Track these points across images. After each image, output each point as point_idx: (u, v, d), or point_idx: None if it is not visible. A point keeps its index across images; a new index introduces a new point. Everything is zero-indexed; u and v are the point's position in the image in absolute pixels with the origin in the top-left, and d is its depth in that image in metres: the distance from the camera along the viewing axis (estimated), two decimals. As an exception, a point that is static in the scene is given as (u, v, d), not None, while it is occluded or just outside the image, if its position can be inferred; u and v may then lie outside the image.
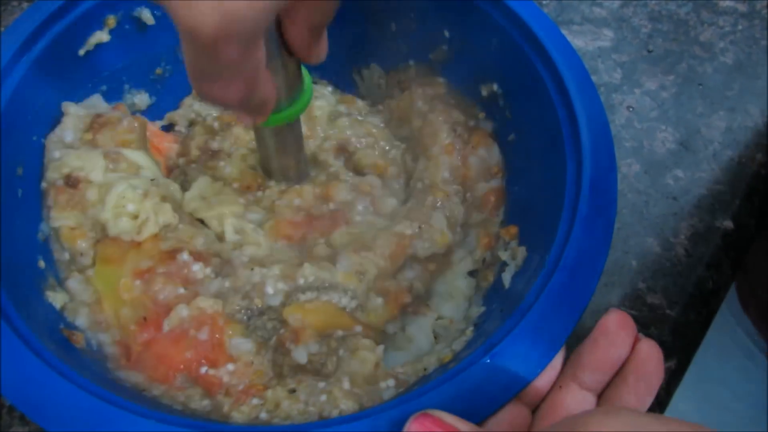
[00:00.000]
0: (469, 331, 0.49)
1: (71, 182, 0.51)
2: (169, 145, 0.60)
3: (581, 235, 0.45)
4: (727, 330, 0.84)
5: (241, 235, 0.52)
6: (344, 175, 0.57)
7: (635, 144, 0.72)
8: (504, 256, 0.53)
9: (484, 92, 0.60)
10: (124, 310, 0.49)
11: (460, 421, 0.36)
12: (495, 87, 0.59)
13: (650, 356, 0.40)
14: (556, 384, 0.42)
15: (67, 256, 0.52)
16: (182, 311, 0.47)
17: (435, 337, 0.52)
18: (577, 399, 0.41)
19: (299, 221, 0.53)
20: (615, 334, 0.40)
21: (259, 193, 0.56)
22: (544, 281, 0.44)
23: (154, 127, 0.61)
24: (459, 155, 0.59)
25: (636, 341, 0.41)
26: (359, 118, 0.62)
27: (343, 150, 0.59)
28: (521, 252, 0.51)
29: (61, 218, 0.51)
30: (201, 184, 0.55)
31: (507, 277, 0.51)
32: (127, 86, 0.61)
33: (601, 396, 0.41)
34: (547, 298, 0.43)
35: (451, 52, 0.62)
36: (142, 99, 0.62)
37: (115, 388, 0.45)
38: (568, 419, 0.31)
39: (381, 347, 0.48)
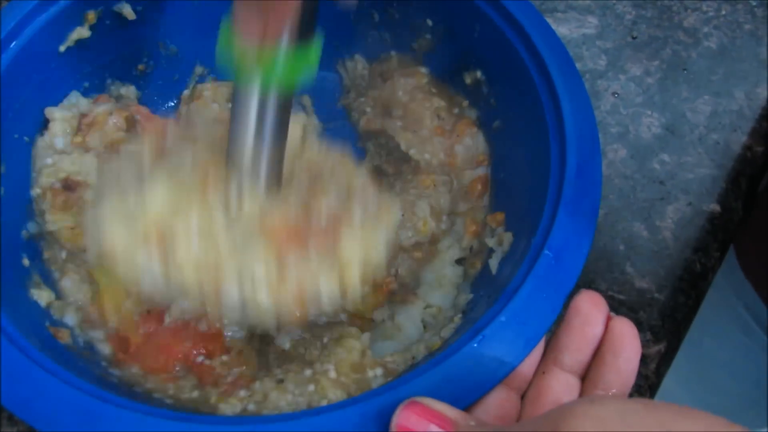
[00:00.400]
0: (458, 319, 0.49)
1: (69, 186, 0.51)
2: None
3: (566, 219, 0.45)
4: (724, 308, 0.83)
5: None
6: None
7: (621, 129, 0.71)
8: (491, 242, 0.52)
9: (468, 80, 0.60)
10: (126, 303, 0.49)
11: (449, 407, 0.36)
12: (479, 74, 0.59)
13: (623, 332, 0.40)
14: (539, 369, 0.42)
15: (64, 255, 0.51)
16: (184, 303, 0.47)
17: (424, 326, 0.52)
18: (561, 382, 0.41)
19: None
20: (587, 313, 0.41)
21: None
22: (530, 265, 0.43)
23: (144, 110, 0.60)
24: (444, 144, 0.58)
25: (608, 320, 0.41)
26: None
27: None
28: (507, 238, 0.51)
29: (60, 220, 0.51)
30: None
31: (494, 264, 0.51)
32: (109, 81, 0.60)
33: (585, 378, 0.41)
34: (532, 281, 0.42)
35: (435, 40, 0.62)
36: (128, 91, 0.61)
37: (103, 384, 0.44)
38: (554, 410, 0.31)
39: (367, 335, 0.48)
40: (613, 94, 0.75)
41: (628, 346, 0.40)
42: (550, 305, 0.42)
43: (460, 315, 0.50)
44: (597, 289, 0.60)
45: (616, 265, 0.63)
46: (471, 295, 0.52)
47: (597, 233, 0.64)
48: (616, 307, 0.61)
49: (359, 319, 0.50)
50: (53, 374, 0.39)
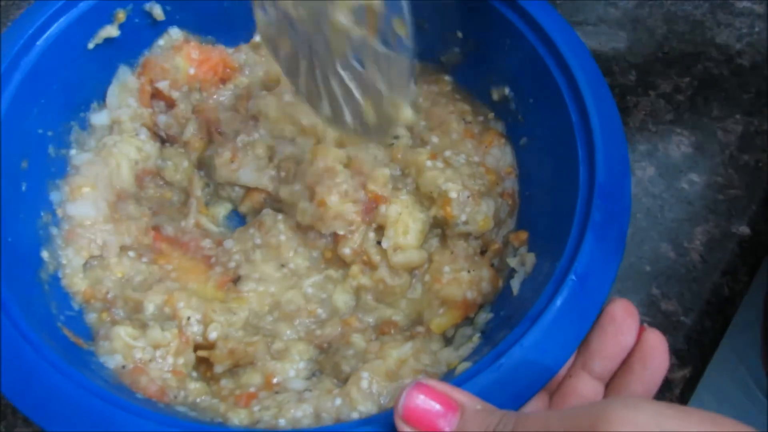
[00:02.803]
0: (476, 338, 0.47)
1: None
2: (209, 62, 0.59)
3: (593, 243, 0.43)
4: (726, 367, 0.81)
5: None
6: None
7: (650, 147, 0.69)
8: (513, 262, 0.50)
9: (495, 96, 0.58)
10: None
11: (456, 389, 0.35)
12: (506, 91, 0.57)
13: (656, 346, 0.40)
14: (567, 372, 0.41)
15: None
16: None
17: (444, 342, 0.51)
18: (587, 388, 0.40)
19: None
20: (622, 321, 0.40)
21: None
22: (554, 289, 0.41)
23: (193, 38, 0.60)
24: (477, 148, 0.57)
25: (641, 331, 0.40)
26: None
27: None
28: (530, 259, 0.49)
29: None
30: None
31: (516, 284, 0.49)
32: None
33: (609, 384, 0.40)
34: (556, 307, 0.40)
35: (463, 54, 0.60)
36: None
37: (117, 389, 0.44)
38: (587, 408, 0.30)
39: (409, 345, 0.47)
40: (643, 110, 0.72)
41: (658, 358, 0.40)
42: (573, 332, 0.40)
43: (479, 335, 0.48)
44: None
45: (641, 287, 0.60)
46: (491, 315, 0.50)
47: (623, 253, 0.61)
48: None
49: (429, 332, 0.50)
50: (66, 376, 0.39)
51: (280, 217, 0.56)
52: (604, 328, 0.40)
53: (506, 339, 0.40)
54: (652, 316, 0.59)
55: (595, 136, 0.47)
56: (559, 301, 0.41)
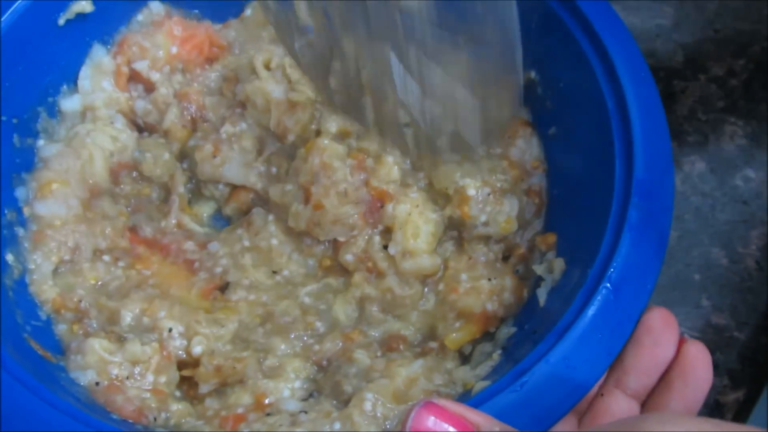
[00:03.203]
0: (497, 355, 0.48)
1: None
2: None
3: (630, 247, 0.43)
4: None
5: None
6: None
7: (699, 138, 0.70)
8: (539, 270, 0.51)
9: None
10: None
11: (470, 409, 0.35)
12: (532, 74, 0.58)
13: (698, 359, 0.40)
14: (599, 390, 0.42)
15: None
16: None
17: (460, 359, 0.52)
18: (621, 407, 0.41)
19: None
20: (659, 332, 0.41)
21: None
22: (585, 300, 0.42)
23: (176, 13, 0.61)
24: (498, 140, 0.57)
25: (681, 343, 0.41)
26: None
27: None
28: (559, 265, 0.50)
29: None
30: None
31: (543, 294, 0.49)
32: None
33: (645, 403, 0.41)
34: (586, 320, 0.41)
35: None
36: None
37: (89, 408, 0.45)
38: (617, 424, 0.32)
39: (420, 362, 0.48)
40: (691, 96, 0.73)
41: (700, 373, 0.40)
42: (605, 349, 0.41)
43: (499, 351, 0.49)
44: None
45: (689, 297, 0.61)
46: (514, 329, 0.51)
47: (668, 259, 0.62)
48: None
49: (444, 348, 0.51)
50: (34, 392, 0.40)
51: (271, 217, 0.57)
52: (639, 340, 0.41)
53: (530, 355, 0.41)
54: (701, 330, 0.60)
55: (633, 125, 0.48)
56: (590, 313, 0.42)
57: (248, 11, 0.64)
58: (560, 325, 0.42)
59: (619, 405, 0.41)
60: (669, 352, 0.41)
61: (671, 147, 0.48)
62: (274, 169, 0.58)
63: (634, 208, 0.45)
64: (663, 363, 0.41)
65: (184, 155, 0.60)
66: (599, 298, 0.42)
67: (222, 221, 0.61)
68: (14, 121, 0.54)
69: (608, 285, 0.42)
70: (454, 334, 0.51)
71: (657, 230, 0.44)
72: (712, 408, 0.49)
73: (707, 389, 0.40)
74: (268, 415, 0.47)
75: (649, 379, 0.41)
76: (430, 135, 0.49)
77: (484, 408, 0.39)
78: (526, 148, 0.57)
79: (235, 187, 0.59)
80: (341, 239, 0.54)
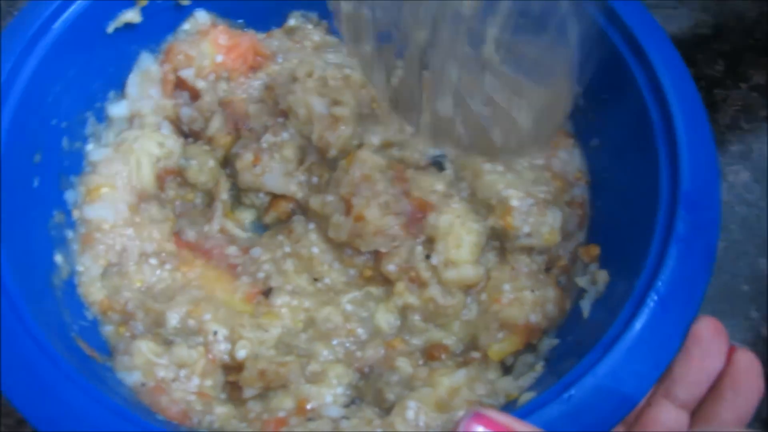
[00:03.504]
0: (540, 367, 0.48)
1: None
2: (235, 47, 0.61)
3: (677, 259, 0.44)
4: None
5: None
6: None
7: (743, 148, 0.70)
8: (582, 282, 0.52)
9: None
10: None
11: (518, 421, 0.36)
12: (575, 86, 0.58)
13: (749, 369, 0.40)
14: (647, 401, 0.42)
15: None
16: None
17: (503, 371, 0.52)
18: (670, 418, 0.41)
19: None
20: (709, 342, 0.41)
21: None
22: (631, 312, 0.43)
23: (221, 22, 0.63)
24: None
25: (731, 352, 0.41)
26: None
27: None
28: (603, 276, 0.50)
29: None
30: None
31: (586, 306, 0.50)
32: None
33: (695, 414, 0.41)
34: (635, 332, 0.42)
35: None
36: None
37: (135, 408, 0.46)
38: None
39: (463, 372, 0.49)
40: (733, 105, 0.73)
41: (751, 382, 0.40)
42: (652, 363, 0.41)
43: (542, 363, 0.49)
44: None
45: (738, 309, 0.61)
46: (556, 341, 0.51)
47: (715, 270, 0.61)
48: None
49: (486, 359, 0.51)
50: (84, 391, 0.41)
51: (311, 226, 0.58)
52: (688, 350, 0.41)
53: (576, 368, 0.42)
54: (752, 343, 0.60)
55: (678, 135, 0.48)
56: (637, 325, 0.42)
57: (291, 21, 0.65)
58: (607, 337, 0.42)
59: (668, 416, 0.41)
60: (719, 362, 0.41)
61: (717, 157, 0.48)
62: (315, 179, 0.59)
63: (680, 220, 0.45)
64: (713, 373, 0.41)
65: (227, 162, 0.61)
66: (647, 310, 0.42)
67: (261, 229, 0.61)
68: (63, 124, 0.55)
69: (655, 297, 0.43)
70: (498, 345, 0.51)
71: (704, 243, 0.45)
72: (765, 422, 0.48)
73: (758, 399, 0.40)
74: (310, 420, 0.48)
75: (698, 389, 0.41)
76: (485, 128, 0.49)
77: (530, 419, 0.40)
78: (569, 159, 0.58)
79: (275, 196, 0.59)
80: (383, 250, 0.55)
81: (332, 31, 0.66)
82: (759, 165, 0.69)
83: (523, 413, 0.40)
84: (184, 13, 0.62)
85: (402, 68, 0.49)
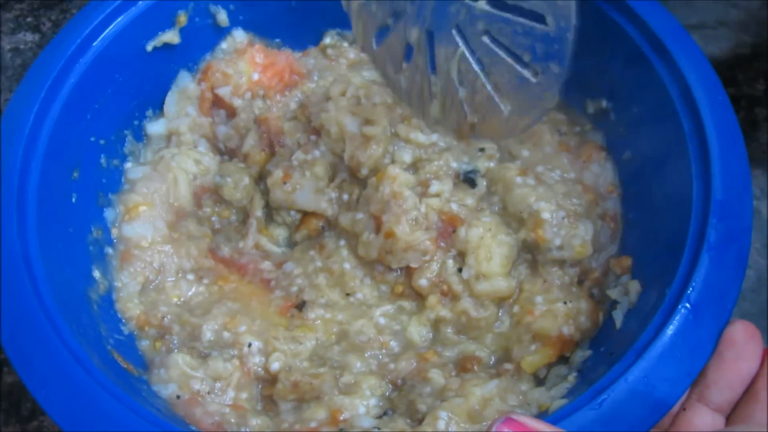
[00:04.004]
0: (572, 378, 0.49)
1: None
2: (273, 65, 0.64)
3: (708, 267, 0.44)
4: None
5: None
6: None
7: (785, 166, 0.70)
8: (614, 294, 0.52)
9: (591, 109, 0.61)
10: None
11: (549, 426, 0.37)
12: (604, 104, 0.60)
13: None
14: (680, 407, 0.42)
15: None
16: None
17: (536, 382, 0.52)
18: (705, 422, 0.41)
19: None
20: (743, 346, 0.41)
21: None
22: (663, 320, 0.43)
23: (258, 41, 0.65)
24: (573, 162, 0.59)
25: (765, 354, 0.41)
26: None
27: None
28: (635, 287, 0.50)
29: None
30: None
31: (619, 316, 0.50)
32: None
33: (730, 417, 0.41)
34: (666, 339, 0.42)
35: None
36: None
37: (170, 420, 0.47)
38: None
39: (495, 382, 0.49)
40: (774, 124, 0.73)
41: None
42: (684, 368, 0.42)
43: (575, 374, 0.50)
44: None
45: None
46: (589, 352, 0.51)
47: (758, 287, 0.62)
48: None
49: (519, 370, 0.52)
50: (119, 400, 0.43)
51: (342, 242, 0.59)
52: (722, 354, 0.41)
53: (608, 374, 0.42)
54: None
55: (711, 147, 0.49)
56: (669, 332, 0.42)
57: (327, 39, 0.68)
58: (638, 344, 0.43)
59: (702, 419, 0.41)
60: (753, 365, 0.41)
61: (749, 169, 0.48)
62: (345, 196, 0.60)
63: (712, 228, 0.45)
64: (747, 376, 0.41)
65: (262, 178, 0.63)
66: (678, 317, 0.43)
67: (292, 247, 0.63)
68: (102, 142, 0.58)
69: (687, 305, 0.43)
70: (531, 357, 0.52)
71: (736, 251, 0.45)
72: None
73: None
74: (342, 430, 0.49)
75: (733, 392, 0.41)
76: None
77: (562, 425, 0.40)
78: (601, 172, 0.59)
79: (305, 214, 0.61)
80: (414, 265, 0.56)
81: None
82: (800, 182, 0.69)
83: (555, 419, 0.41)
84: (223, 32, 0.64)
85: (408, 64, 0.52)
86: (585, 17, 0.58)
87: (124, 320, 0.54)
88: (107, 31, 0.56)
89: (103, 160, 0.58)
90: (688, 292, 0.43)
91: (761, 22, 0.82)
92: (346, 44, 0.68)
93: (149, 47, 0.60)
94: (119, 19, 0.57)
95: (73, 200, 0.54)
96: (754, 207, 0.48)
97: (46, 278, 0.47)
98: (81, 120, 0.55)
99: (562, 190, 0.56)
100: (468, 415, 0.47)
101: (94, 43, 0.56)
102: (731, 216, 0.46)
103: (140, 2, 0.58)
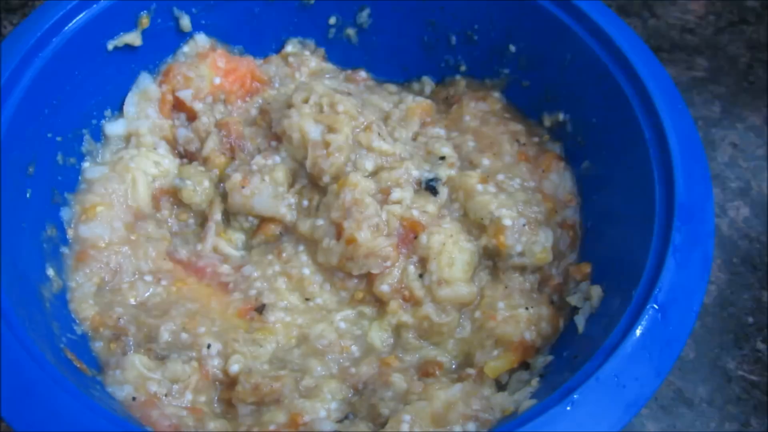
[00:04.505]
0: (535, 382, 0.49)
1: None
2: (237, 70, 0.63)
3: (674, 269, 0.45)
4: None
5: None
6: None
7: (742, 185, 0.71)
8: (574, 300, 0.53)
9: (547, 122, 0.62)
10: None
11: None
12: (561, 117, 0.61)
13: None
14: None
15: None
16: None
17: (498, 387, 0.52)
18: None
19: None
20: None
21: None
22: (631, 321, 0.43)
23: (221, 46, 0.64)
24: (533, 172, 0.60)
25: None
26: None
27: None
28: (596, 292, 0.51)
29: None
30: None
31: (581, 321, 0.51)
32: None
33: None
34: (634, 339, 0.42)
35: (513, 75, 0.65)
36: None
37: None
38: None
39: (459, 386, 0.49)
40: (731, 144, 0.75)
41: None
42: (654, 367, 0.42)
43: (537, 379, 0.49)
44: (725, 368, 0.60)
45: (744, 340, 0.62)
46: (550, 357, 0.51)
47: (721, 302, 0.63)
48: (748, 389, 0.59)
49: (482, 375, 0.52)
50: (73, 396, 0.42)
51: (301, 248, 0.59)
52: None
53: (577, 374, 0.42)
54: (759, 374, 0.60)
55: (673, 152, 0.49)
56: (638, 332, 0.42)
57: (289, 47, 0.67)
58: (607, 344, 0.43)
59: None
60: None
61: (709, 174, 0.49)
62: (305, 202, 0.60)
63: (677, 231, 0.46)
64: None
65: (222, 182, 0.62)
66: (646, 318, 0.43)
67: (249, 251, 0.61)
68: (58, 139, 0.56)
69: (655, 305, 0.43)
70: (494, 362, 0.52)
71: (701, 252, 0.46)
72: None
73: None
74: None
75: None
76: None
77: (532, 425, 0.40)
78: (559, 181, 0.59)
79: (263, 219, 0.60)
80: (375, 271, 0.55)
81: (329, 58, 0.69)
82: (758, 201, 0.70)
83: (525, 419, 0.41)
84: (185, 36, 0.63)
85: None
86: (544, 31, 0.60)
87: (78, 320, 0.53)
88: (67, 27, 0.55)
89: (59, 158, 0.57)
90: (655, 292, 0.44)
91: (715, 46, 0.84)
92: (307, 53, 0.68)
93: (110, 46, 0.59)
94: (80, 16, 0.56)
95: (28, 195, 0.53)
96: (714, 224, 0.48)
97: (-1, 271, 0.45)
98: (38, 114, 0.54)
99: (522, 198, 0.57)
100: (432, 418, 0.47)
101: (54, 39, 0.54)
102: (695, 219, 0.47)
103: (102, 1, 0.57)
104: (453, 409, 0.47)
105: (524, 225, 0.55)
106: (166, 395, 0.48)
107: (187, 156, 0.63)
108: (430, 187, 0.58)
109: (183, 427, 0.47)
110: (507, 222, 0.55)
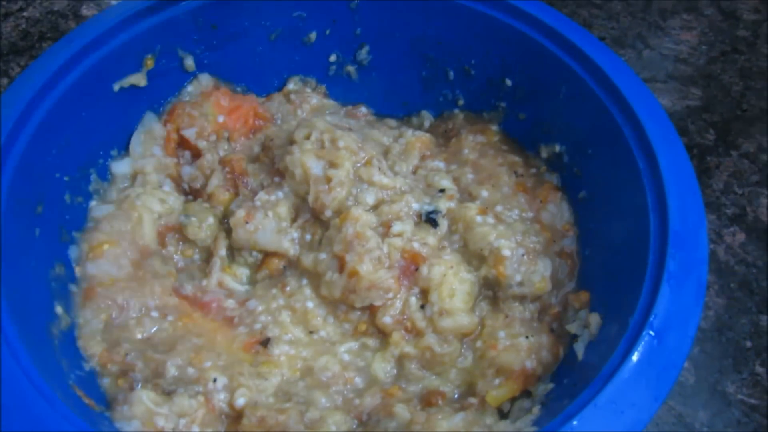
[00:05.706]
0: (536, 410, 0.49)
1: None
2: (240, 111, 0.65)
3: (670, 296, 0.45)
4: None
5: None
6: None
7: (737, 211, 0.72)
8: (573, 328, 0.53)
9: (544, 154, 0.64)
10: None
11: None
12: (557, 148, 0.62)
13: None
14: None
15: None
16: None
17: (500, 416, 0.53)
18: None
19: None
20: None
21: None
22: (627, 347, 0.44)
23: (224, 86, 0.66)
24: (531, 203, 0.61)
25: None
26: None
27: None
28: (595, 320, 0.51)
29: None
30: None
31: (580, 348, 0.51)
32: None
33: None
34: (631, 365, 0.43)
35: (509, 108, 0.66)
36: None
37: None
38: None
39: (461, 415, 0.49)
40: (726, 171, 0.76)
41: None
42: (652, 392, 0.42)
43: (538, 407, 0.50)
44: (724, 392, 0.60)
45: (743, 364, 0.62)
46: (551, 385, 0.52)
47: (719, 327, 0.64)
48: (748, 412, 0.60)
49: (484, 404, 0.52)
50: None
51: (304, 281, 0.59)
52: None
53: (576, 401, 0.43)
54: (758, 397, 0.60)
55: (666, 182, 0.50)
56: (634, 358, 0.43)
57: (291, 85, 0.69)
58: (605, 371, 0.43)
59: None
60: None
61: (702, 202, 0.50)
62: (308, 236, 0.61)
63: (671, 258, 0.47)
64: None
65: (226, 218, 0.63)
66: (643, 344, 0.43)
67: (254, 286, 0.62)
68: (66, 178, 0.57)
69: (651, 332, 0.44)
70: (495, 391, 0.52)
71: (695, 279, 0.46)
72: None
73: None
74: None
75: None
76: None
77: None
78: (557, 212, 0.61)
79: (267, 254, 0.61)
80: (377, 303, 0.56)
81: (330, 94, 0.70)
82: (754, 227, 0.71)
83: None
84: (188, 75, 0.65)
85: None
86: (539, 65, 0.61)
87: (86, 357, 0.53)
88: (75, 69, 0.56)
89: (67, 197, 0.58)
90: (651, 319, 0.44)
91: (709, 76, 0.85)
92: (309, 90, 0.70)
93: (116, 87, 0.60)
94: (87, 58, 0.57)
95: (36, 234, 0.54)
96: (710, 250, 0.49)
97: (8, 308, 0.46)
98: (46, 155, 0.55)
99: (520, 229, 0.58)
100: None
101: (62, 81, 0.56)
102: (688, 246, 0.47)
103: (109, 43, 0.58)
104: None
105: (523, 255, 0.56)
106: (173, 430, 0.49)
107: (191, 193, 0.64)
108: (430, 220, 0.59)
109: (190, 460, 0.48)
110: (506, 252, 0.56)
